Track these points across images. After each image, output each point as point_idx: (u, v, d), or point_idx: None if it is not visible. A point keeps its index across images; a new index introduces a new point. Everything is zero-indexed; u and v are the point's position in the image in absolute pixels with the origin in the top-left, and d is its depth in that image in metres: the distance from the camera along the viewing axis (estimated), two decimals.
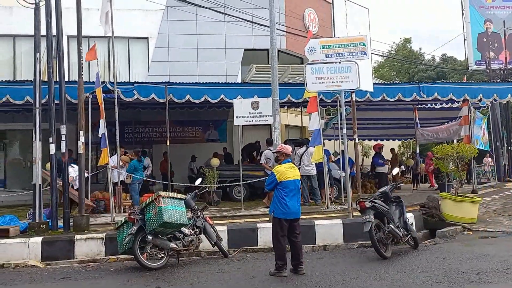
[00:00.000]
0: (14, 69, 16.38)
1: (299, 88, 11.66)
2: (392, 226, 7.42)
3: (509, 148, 22.97)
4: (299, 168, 11.49)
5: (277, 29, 13.38)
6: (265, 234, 8.15)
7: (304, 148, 11.79)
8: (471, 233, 9.18)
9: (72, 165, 10.51)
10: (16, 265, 7.48)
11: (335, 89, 9.52)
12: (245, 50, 17.89)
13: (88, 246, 7.89)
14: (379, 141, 21.00)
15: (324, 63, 9.42)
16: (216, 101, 11.51)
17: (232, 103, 10.98)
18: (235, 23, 16.23)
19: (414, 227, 8.50)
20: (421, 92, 11.94)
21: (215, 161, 13.05)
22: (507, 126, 23.35)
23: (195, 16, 16.84)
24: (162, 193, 7.18)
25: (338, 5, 10.41)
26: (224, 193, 13.14)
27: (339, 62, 9.38)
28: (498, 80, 21.47)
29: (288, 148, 6.78)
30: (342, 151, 11.55)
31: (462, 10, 25.19)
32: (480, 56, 24.61)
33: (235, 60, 17.79)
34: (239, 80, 16.94)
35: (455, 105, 14.83)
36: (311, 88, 9.52)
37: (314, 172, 11.60)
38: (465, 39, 24.95)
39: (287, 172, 6.53)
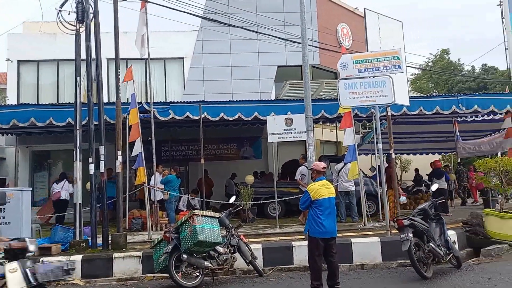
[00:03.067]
0: (57, 92, 17.15)
1: (333, 103, 11.55)
2: (433, 245, 7.15)
3: None
4: (337, 184, 11.39)
5: (310, 45, 13.36)
6: (300, 252, 8.04)
7: (342, 164, 11.64)
8: None
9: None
10: (57, 282, 7.67)
11: (369, 104, 9.36)
12: (278, 66, 18.00)
13: (125, 265, 8.02)
14: (417, 155, 20.52)
15: (358, 78, 9.31)
16: (249, 118, 11.57)
17: (266, 120, 11.00)
18: (268, 41, 16.37)
19: (456, 246, 8.16)
20: (460, 104, 11.55)
21: (250, 179, 13.06)
22: None
23: (229, 36, 17.13)
24: (197, 211, 7.24)
25: (370, 19, 10.27)
26: (259, 211, 13.09)
27: (373, 77, 9.24)
28: None
29: (320, 165, 6.68)
30: (379, 166, 11.30)
31: (502, 18, 24.33)
32: None
33: (269, 77, 17.91)
34: (273, 97, 17.00)
35: (498, 116, 14.26)
36: (345, 103, 9.42)
37: (353, 188, 11.42)
38: (506, 48, 24.03)
39: (321, 190, 6.42)
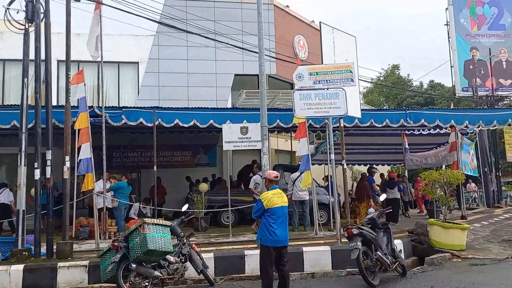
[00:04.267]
0: (2, 93, 16.33)
1: (288, 113, 11.69)
2: (380, 254, 7.36)
3: (497, 174, 23.15)
4: (291, 193, 11.51)
5: (267, 55, 13.54)
6: (252, 261, 8.02)
7: (297, 173, 11.76)
8: (459, 260, 9.13)
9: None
10: None
11: (323, 115, 9.57)
12: (235, 75, 18.05)
13: (71, 274, 7.69)
14: (368, 166, 21.09)
15: (312, 89, 9.49)
16: (205, 126, 11.49)
17: (222, 128, 10.98)
18: (225, 49, 16.41)
19: (402, 254, 8.45)
20: (408, 118, 12.04)
21: (203, 187, 12.95)
22: (495, 152, 23.59)
23: (186, 42, 17.02)
24: (147, 219, 7.09)
25: (325, 32, 10.54)
26: (212, 219, 12.99)
27: (327, 89, 9.47)
28: (485, 107, 21.79)
29: (271, 174, 6.74)
30: (331, 176, 11.54)
31: (449, 38, 25.78)
32: (467, 83, 25.04)
33: (226, 85, 17.93)
34: (230, 105, 17.01)
35: (443, 131, 14.98)
36: (299, 113, 9.56)
37: (307, 197, 11.55)
38: (451, 66, 25.44)
39: (274, 198, 6.46)
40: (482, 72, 25.09)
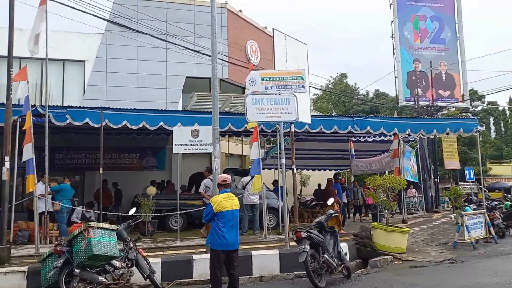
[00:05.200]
0: None
1: (240, 117, 11.72)
2: (327, 256, 7.54)
3: (436, 180, 24.44)
4: (242, 197, 11.52)
5: (220, 58, 13.51)
6: (201, 265, 7.97)
7: (249, 177, 11.79)
8: (400, 262, 9.54)
9: None
10: None
11: (275, 120, 9.68)
12: (186, 77, 17.88)
13: (7, 281, 7.27)
14: (316, 171, 21.59)
15: (265, 94, 9.59)
16: (155, 128, 11.27)
17: (172, 131, 10.82)
18: (177, 51, 16.22)
19: (347, 257, 8.71)
20: (355, 125, 12.44)
21: (151, 190, 12.69)
22: (434, 159, 24.91)
23: (136, 42, 16.66)
24: (93, 223, 6.84)
25: (278, 39, 10.70)
26: (160, 223, 12.74)
27: (279, 94, 9.59)
28: (426, 116, 22.97)
29: (220, 178, 6.76)
30: (278, 180, 11.69)
31: (393, 49, 26.99)
32: (409, 93, 26.32)
33: (177, 87, 17.71)
34: (180, 108, 16.81)
35: (387, 138, 15.62)
36: (252, 118, 9.61)
37: (258, 201, 11.60)
38: (395, 77, 26.66)
39: (224, 202, 6.46)
40: (424, 83, 26.48)
